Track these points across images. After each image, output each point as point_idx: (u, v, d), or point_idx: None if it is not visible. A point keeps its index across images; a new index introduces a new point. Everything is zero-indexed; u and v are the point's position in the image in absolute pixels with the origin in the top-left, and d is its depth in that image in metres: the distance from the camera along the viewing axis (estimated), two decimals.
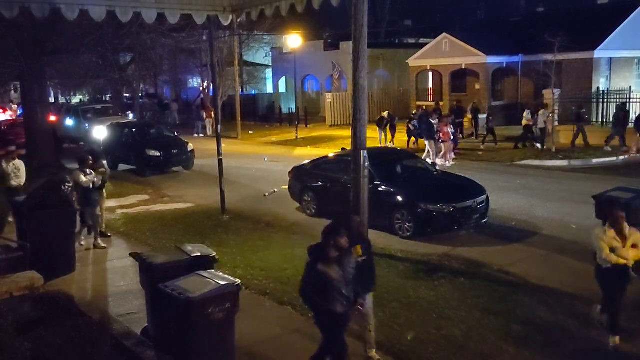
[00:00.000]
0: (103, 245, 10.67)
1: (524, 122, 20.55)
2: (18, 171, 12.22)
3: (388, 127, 22.65)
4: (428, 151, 18.72)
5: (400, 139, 22.54)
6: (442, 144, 18.54)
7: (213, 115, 30.50)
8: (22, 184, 12.21)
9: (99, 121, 25.20)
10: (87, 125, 25.77)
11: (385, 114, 23.21)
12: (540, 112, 20.01)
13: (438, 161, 17.87)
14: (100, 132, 23.38)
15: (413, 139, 21.70)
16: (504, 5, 44.61)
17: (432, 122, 18.73)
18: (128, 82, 33.08)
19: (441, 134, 18.41)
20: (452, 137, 18.75)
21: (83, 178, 10.26)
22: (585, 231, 10.53)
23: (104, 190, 11.26)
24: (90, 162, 10.61)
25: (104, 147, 20.87)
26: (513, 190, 14.30)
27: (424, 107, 25.76)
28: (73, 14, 9.38)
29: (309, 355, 5.64)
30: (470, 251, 9.88)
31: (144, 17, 10.51)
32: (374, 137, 23.26)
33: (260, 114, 37.98)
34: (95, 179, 10.49)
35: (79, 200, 9.96)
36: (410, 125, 21.41)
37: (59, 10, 9.30)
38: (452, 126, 19.32)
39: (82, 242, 10.51)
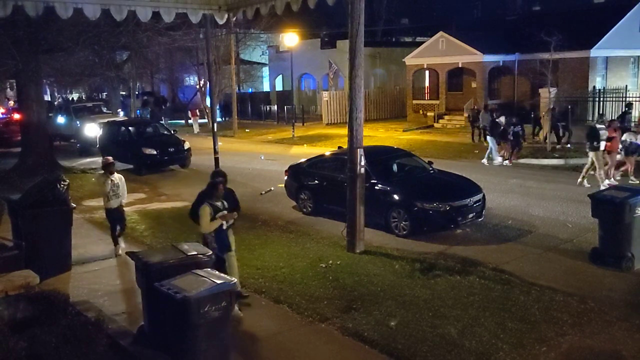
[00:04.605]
0: (240, 314, 7.22)
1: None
2: (117, 188, 9.95)
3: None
4: (600, 165, 14.03)
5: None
6: (607, 156, 14.25)
7: (198, 114, 32.16)
8: (123, 203, 10.21)
9: (89, 119, 25.32)
10: (78, 122, 25.78)
11: (503, 119, 18.45)
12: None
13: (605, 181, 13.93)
14: (90, 130, 23.44)
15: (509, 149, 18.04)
16: (500, 4, 44.69)
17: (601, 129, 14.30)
18: (124, 80, 33.08)
19: (606, 144, 14.02)
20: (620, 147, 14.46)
21: (212, 217, 7.26)
22: (581, 230, 10.65)
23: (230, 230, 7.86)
24: (223, 187, 7.58)
25: (99, 145, 20.88)
26: (509, 189, 14.33)
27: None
28: (67, 12, 9.37)
29: (305, 353, 5.63)
30: (466, 250, 9.91)
31: (138, 15, 10.50)
32: (370, 136, 23.29)
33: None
34: (228, 215, 7.50)
35: (213, 243, 7.30)
36: (509, 130, 17.86)
37: (53, 8, 9.28)
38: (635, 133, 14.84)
39: (241, 314, 7.27)
